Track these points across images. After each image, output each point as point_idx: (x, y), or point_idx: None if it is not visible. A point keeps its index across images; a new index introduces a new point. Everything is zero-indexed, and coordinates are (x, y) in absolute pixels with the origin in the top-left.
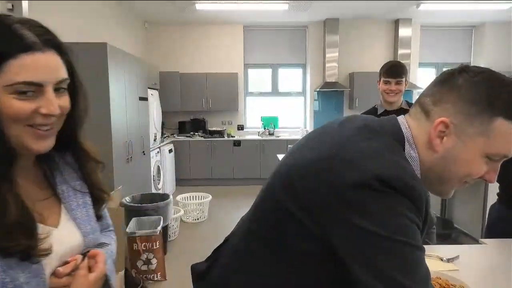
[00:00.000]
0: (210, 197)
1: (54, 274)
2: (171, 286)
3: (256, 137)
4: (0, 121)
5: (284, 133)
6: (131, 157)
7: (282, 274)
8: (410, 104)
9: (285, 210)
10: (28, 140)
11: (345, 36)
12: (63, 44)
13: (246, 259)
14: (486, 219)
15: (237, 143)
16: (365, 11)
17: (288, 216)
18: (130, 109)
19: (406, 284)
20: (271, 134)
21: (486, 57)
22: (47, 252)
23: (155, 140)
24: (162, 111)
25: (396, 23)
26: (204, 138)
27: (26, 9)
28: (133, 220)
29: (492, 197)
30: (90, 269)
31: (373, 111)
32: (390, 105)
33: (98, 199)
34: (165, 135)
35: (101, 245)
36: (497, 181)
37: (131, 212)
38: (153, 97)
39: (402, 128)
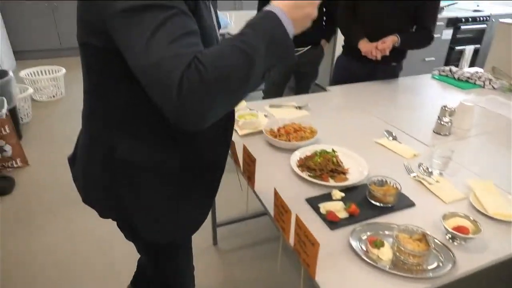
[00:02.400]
0: (64, 70)
1: None
2: (36, 170)
3: None
4: None
5: None
6: None
7: (129, 114)
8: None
9: (93, 48)
10: None
11: None
12: None
13: (90, 118)
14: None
15: None
16: None
17: (97, 52)
18: None
19: (171, 48)
20: None
21: None
22: None
23: None
24: None
25: None
26: None
27: None
28: None
29: (339, 50)
30: None
31: None
32: None
33: None
34: None
35: None
36: (342, 34)
37: None
38: None
39: None
